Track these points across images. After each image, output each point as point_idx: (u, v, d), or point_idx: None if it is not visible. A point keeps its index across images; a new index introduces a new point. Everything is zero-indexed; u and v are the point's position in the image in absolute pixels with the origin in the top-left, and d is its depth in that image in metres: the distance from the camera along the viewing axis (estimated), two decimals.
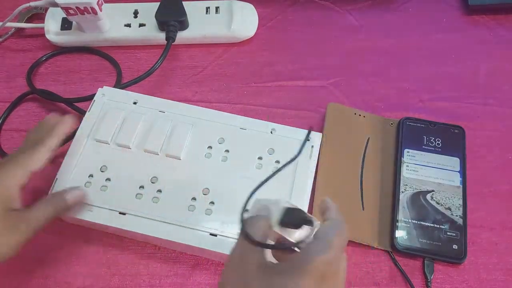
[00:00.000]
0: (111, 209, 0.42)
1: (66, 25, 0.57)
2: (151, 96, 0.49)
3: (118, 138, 0.46)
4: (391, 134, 0.51)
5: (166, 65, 0.57)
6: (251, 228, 0.30)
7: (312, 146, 0.45)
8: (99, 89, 0.49)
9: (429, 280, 0.43)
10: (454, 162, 0.48)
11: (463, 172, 0.47)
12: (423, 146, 0.49)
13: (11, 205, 0.39)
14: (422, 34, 0.58)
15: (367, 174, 0.48)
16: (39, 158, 0.41)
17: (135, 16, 0.57)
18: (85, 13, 0.52)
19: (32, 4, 0.53)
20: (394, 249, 0.45)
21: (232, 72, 0.56)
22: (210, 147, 0.46)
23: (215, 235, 0.41)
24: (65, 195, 0.41)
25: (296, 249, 0.30)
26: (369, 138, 0.50)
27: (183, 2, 0.55)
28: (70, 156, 0.45)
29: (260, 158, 0.45)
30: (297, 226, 0.31)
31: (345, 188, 0.48)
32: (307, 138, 0.39)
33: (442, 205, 0.46)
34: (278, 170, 0.35)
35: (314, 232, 0.31)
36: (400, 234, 0.45)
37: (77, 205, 0.42)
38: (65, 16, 0.54)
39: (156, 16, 0.55)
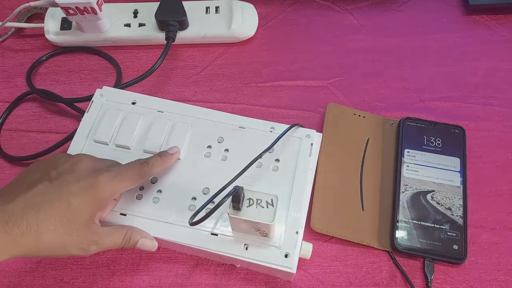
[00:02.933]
0: (111, 210, 0.42)
1: (65, 25, 0.57)
2: (150, 96, 0.48)
3: (117, 139, 0.46)
4: (391, 134, 0.51)
5: (166, 65, 0.57)
6: None
7: (312, 144, 0.45)
8: (97, 89, 0.48)
9: (429, 280, 0.43)
10: (454, 162, 0.48)
11: (463, 172, 0.47)
12: (423, 146, 0.49)
13: (96, 216, 0.38)
14: (422, 34, 0.58)
15: (367, 174, 0.48)
16: (143, 180, 0.41)
17: (135, 16, 0.57)
18: (85, 13, 0.52)
19: (32, 4, 0.53)
20: (394, 249, 0.44)
21: (232, 72, 0.56)
22: (209, 146, 0.46)
23: (216, 235, 0.41)
24: (139, 238, 0.40)
25: None
26: (369, 138, 0.50)
27: (183, 2, 0.55)
28: None
29: (259, 156, 0.45)
30: None
31: (345, 188, 0.48)
32: (285, 131, 0.45)
33: (442, 205, 0.46)
34: (253, 161, 0.42)
35: None
36: (400, 234, 0.45)
37: (141, 249, 0.41)
38: (64, 16, 0.54)
39: (156, 16, 0.55)
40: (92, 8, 0.52)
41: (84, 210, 0.36)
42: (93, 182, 0.37)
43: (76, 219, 0.36)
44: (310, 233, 0.46)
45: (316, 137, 0.46)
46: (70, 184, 0.36)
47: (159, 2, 0.55)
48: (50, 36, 0.57)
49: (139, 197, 0.43)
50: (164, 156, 0.42)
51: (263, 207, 0.36)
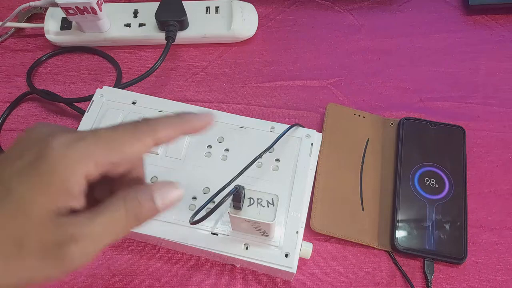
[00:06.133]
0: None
1: (65, 25, 0.57)
2: (150, 96, 0.48)
3: None
4: (391, 134, 0.51)
5: (166, 65, 0.57)
6: None
7: (312, 144, 0.45)
8: (98, 89, 0.48)
9: (429, 280, 0.43)
10: (454, 162, 0.48)
11: (463, 172, 0.47)
12: (423, 146, 0.49)
13: (67, 204, 0.23)
14: (422, 34, 0.58)
15: (367, 174, 0.48)
16: (139, 146, 0.25)
17: (135, 16, 0.57)
18: (85, 13, 0.52)
19: (32, 4, 0.53)
20: (394, 249, 0.44)
21: (232, 72, 0.56)
22: (209, 146, 0.46)
23: (216, 234, 0.41)
24: (153, 196, 0.26)
25: None
26: (369, 138, 0.50)
27: (183, 2, 0.55)
28: None
29: (260, 156, 0.45)
30: None
31: (345, 188, 0.48)
32: (285, 131, 0.44)
33: (442, 205, 0.46)
34: (253, 160, 0.41)
35: None
36: (400, 234, 0.44)
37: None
38: (64, 16, 0.54)
39: (156, 16, 0.55)
40: (92, 8, 0.52)
41: (33, 199, 0.22)
42: (41, 150, 0.23)
43: (25, 216, 0.22)
44: (310, 233, 0.46)
45: (316, 137, 0.46)
46: (12, 164, 0.23)
47: (159, 2, 0.55)
48: (50, 36, 0.57)
49: None
50: (183, 117, 0.27)
51: (263, 206, 0.36)
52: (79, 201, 0.24)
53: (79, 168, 0.23)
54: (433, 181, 0.47)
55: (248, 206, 0.36)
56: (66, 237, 0.22)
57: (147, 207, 0.25)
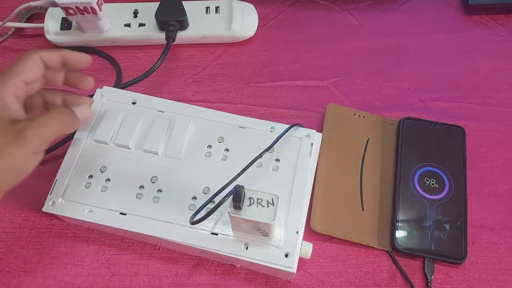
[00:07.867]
0: (111, 210, 0.42)
1: (65, 25, 0.57)
2: (150, 96, 0.49)
3: (117, 139, 0.46)
4: (391, 134, 0.51)
5: (166, 65, 0.57)
6: None
7: (312, 144, 0.45)
8: (98, 89, 0.49)
9: (429, 280, 0.43)
10: (454, 162, 0.48)
11: (463, 172, 0.47)
12: (423, 146, 0.49)
13: (10, 115, 0.36)
14: (422, 34, 0.58)
15: (367, 174, 0.48)
16: (33, 68, 0.38)
17: (135, 16, 0.57)
18: (85, 13, 0.52)
19: (32, 4, 0.53)
20: (394, 249, 0.44)
21: (232, 72, 0.56)
22: (209, 146, 0.46)
23: (216, 234, 0.41)
24: (72, 111, 0.39)
25: None
26: (369, 138, 0.50)
27: (183, 2, 0.55)
28: (70, 157, 0.45)
29: (260, 156, 0.45)
30: None
31: (345, 188, 0.48)
32: (286, 131, 0.45)
33: (442, 205, 0.46)
34: (253, 160, 0.42)
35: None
36: (400, 234, 0.45)
37: (85, 121, 0.41)
38: (64, 16, 0.54)
39: (156, 16, 0.55)
40: (92, 8, 0.52)
41: None
42: None
43: None
44: (310, 233, 0.46)
45: (316, 137, 0.46)
46: None
47: (159, 2, 0.55)
48: (50, 36, 0.57)
49: (139, 197, 0.43)
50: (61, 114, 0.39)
51: (263, 206, 0.36)
52: (18, 112, 0.36)
53: (6, 90, 0.36)
54: (433, 181, 0.47)
55: (248, 206, 0.36)
56: (24, 126, 0.35)
57: (70, 118, 0.39)
